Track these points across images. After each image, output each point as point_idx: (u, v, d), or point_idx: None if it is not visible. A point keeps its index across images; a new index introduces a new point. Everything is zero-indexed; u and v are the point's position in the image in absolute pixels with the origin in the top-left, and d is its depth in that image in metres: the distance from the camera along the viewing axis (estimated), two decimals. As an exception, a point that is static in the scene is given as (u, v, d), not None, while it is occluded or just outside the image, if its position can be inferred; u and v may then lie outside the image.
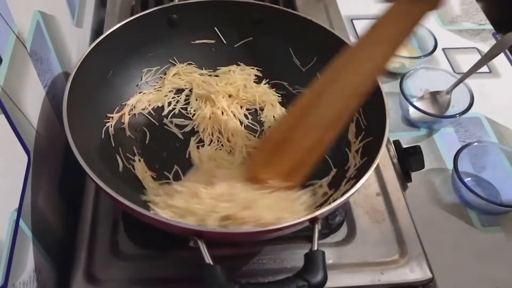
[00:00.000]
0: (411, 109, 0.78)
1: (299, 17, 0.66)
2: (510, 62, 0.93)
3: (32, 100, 0.53)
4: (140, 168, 0.60)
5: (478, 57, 0.88)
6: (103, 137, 0.61)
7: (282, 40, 0.69)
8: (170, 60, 0.71)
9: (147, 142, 0.64)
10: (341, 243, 0.58)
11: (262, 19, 0.69)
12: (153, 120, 0.66)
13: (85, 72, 0.57)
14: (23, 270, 0.47)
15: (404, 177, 0.66)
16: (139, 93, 0.68)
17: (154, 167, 0.61)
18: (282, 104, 0.69)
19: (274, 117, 0.67)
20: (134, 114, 0.66)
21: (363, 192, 0.63)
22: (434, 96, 0.82)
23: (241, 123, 0.67)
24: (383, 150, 0.51)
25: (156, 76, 0.70)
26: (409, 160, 0.66)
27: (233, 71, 0.70)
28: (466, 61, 0.90)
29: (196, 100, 0.68)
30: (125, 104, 0.66)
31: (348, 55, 0.51)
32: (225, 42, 0.71)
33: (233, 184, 0.54)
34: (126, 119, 0.64)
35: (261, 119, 0.68)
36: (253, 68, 0.71)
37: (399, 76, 0.82)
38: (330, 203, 0.47)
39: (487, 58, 0.80)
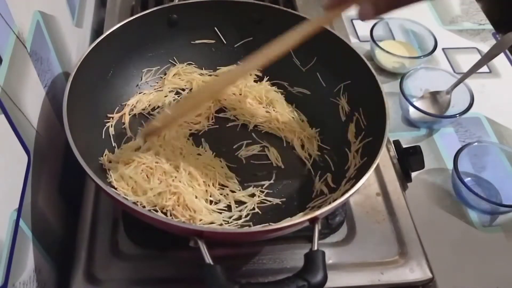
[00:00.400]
0: (411, 109, 0.78)
1: (299, 17, 0.66)
2: (510, 62, 0.93)
3: (32, 100, 0.53)
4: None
5: (478, 57, 0.88)
6: (103, 137, 0.61)
7: (282, 40, 0.69)
8: (170, 60, 0.71)
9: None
10: (341, 243, 0.58)
11: (262, 19, 0.69)
12: (153, 120, 0.66)
13: (85, 72, 0.57)
14: (23, 270, 0.47)
15: (404, 177, 0.65)
16: (139, 93, 0.68)
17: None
18: (282, 104, 0.69)
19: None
20: (135, 114, 0.66)
21: (363, 192, 0.63)
22: (434, 96, 0.82)
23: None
24: (383, 150, 0.51)
25: (156, 76, 0.70)
26: (409, 160, 0.66)
27: (233, 71, 0.70)
28: (466, 61, 0.91)
29: (196, 100, 0.68)
30: (125, 104, 0.66)
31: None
32: (225, 42, 0.71)
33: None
34: (127, 119, 0.64)
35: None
36: (253, 68, 0.71)
37: (399, 76, 0.82)
38: (330, 203, 0.47)
39: (487, 58, 0.80)
